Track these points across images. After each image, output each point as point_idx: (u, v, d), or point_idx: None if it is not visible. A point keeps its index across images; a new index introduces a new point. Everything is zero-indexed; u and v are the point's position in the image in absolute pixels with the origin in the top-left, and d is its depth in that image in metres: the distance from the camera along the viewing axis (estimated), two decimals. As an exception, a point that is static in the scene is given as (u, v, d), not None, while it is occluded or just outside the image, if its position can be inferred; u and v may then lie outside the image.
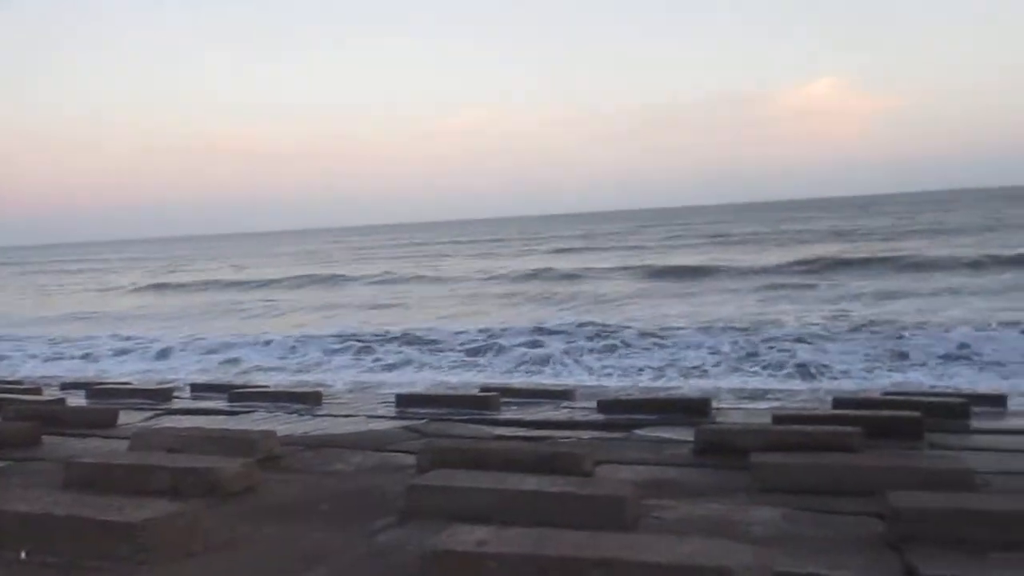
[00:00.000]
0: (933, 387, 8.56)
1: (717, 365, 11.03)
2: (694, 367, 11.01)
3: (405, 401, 8.14)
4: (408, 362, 13.37)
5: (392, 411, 7.81)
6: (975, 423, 6.55)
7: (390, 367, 13.25)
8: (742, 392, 9.26)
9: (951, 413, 6.53)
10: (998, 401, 7.27)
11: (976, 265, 22.21)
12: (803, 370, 10.47)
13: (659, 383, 10.18)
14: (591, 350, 12.73)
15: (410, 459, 5.39)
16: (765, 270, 25.10)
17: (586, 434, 6.51)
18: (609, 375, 11.07)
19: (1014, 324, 11.66)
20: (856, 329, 12.47)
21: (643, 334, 13.14)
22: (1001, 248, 25.96)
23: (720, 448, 5.50)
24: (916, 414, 5.98)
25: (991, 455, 5.29)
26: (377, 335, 15.21)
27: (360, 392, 11.08)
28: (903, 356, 10.67)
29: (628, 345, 12.63)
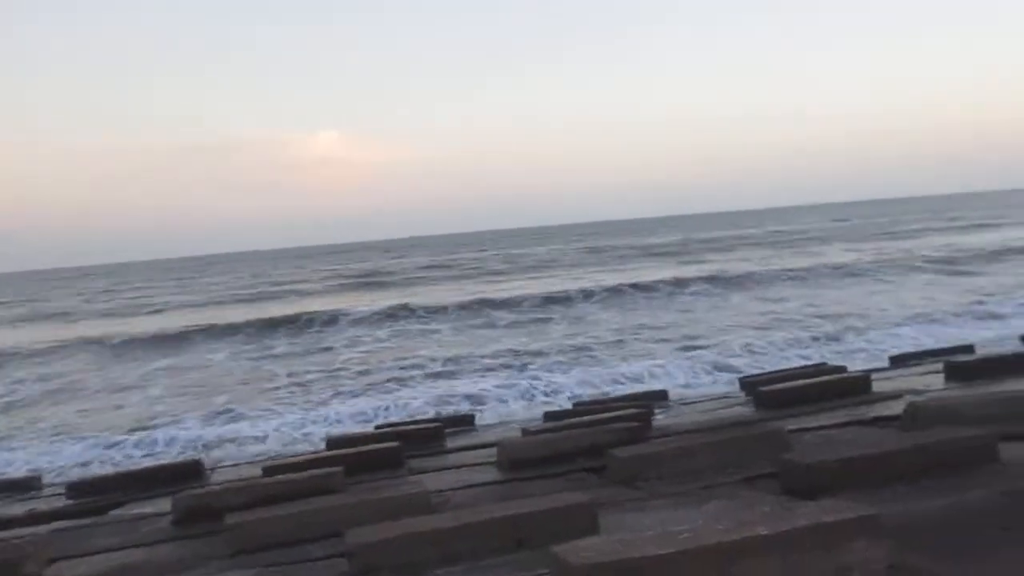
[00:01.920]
0: (416, 415, 9.27)
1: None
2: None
3: None
4: None
5: None
6: (449, 443, 7.25)
7: None
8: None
9: (428, 437, 7.11)
10: (468, 420, 8.18)
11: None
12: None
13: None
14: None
15: None
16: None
17: (48, 527, 5.58)
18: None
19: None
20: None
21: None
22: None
23: (201, 514, 5.14)
24: (395, 444, 6.38)
25: (454, 473, 5.83)
26: None
27: None
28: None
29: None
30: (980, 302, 15.30)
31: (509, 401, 9.76)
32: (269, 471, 6.08)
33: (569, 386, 10.37)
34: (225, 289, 42.86)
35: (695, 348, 12.76)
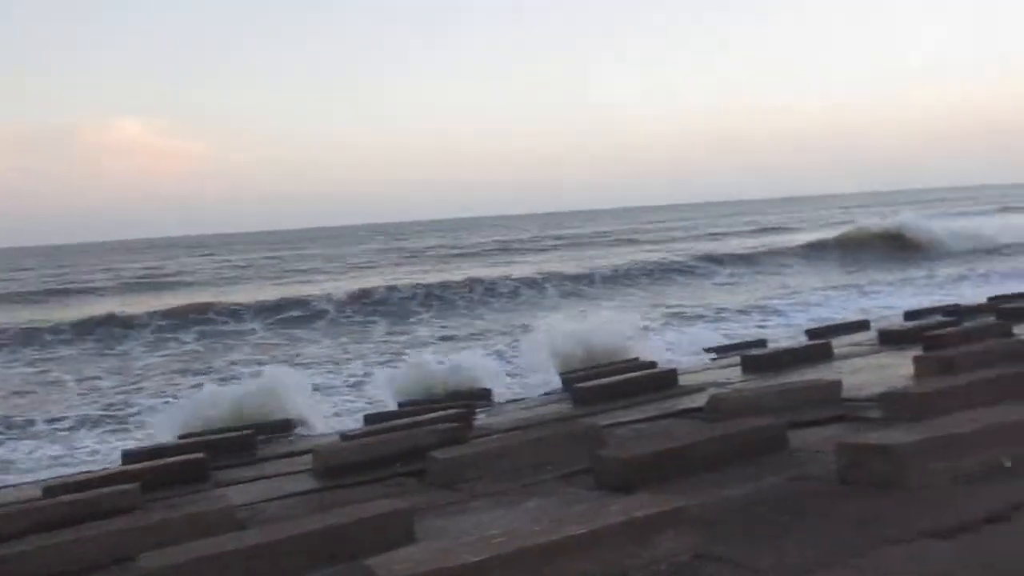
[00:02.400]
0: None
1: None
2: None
3: None
4: None
5: None
6: (263, 452, 6.88)
7: None
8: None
9: (238, 447, 6.70)
10: (284, 427, 7.81)
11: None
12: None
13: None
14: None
15: None
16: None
17: None
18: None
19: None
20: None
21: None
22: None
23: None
24: (200, 455, 5.95)
25: (265, 484, 5.52)
26: None
27: None
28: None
29: None
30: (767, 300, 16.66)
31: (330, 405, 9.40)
32: (50, 491, 5.48)
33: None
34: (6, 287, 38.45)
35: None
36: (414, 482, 5.00)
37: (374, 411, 7.93)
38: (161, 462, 5.80)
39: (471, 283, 20.57)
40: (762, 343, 10.10)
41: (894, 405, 5.18)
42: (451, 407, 7.23)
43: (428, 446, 5.41)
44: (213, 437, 6.92)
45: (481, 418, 7.24)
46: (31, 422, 9.80)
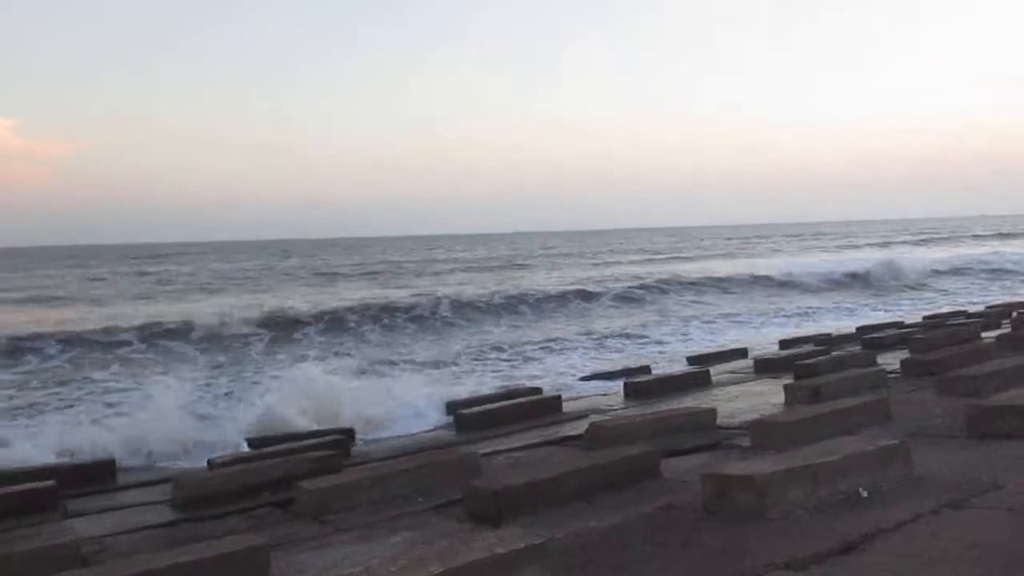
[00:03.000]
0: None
1: None
2: None
3: None
4: None
5: None
6: (123, 480, 6.44)
7: None
8: None
9: (95, 474, 6.25)
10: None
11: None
12: None
13: None
14: None
15: None
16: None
17: None
18: None
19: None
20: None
21: None
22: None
23: None
24: (48, 483, 5.50)
25: (120, 515, 5.15)
26: None
27: None
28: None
29: None
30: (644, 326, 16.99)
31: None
32: None
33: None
34: None
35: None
36: (280, 514, 4.77)
37: (255, 435, 7.55)
38: (3, 491, 5.31)
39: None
40: (646, 369, 10.28)
41: (762, 434, 5.33)
42: (330, 432, 7.00)
43: (300, 474, 5.18)
44: (65, 464, 6.43)
45: (359, 445, 7.03)
46: None
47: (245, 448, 7.13)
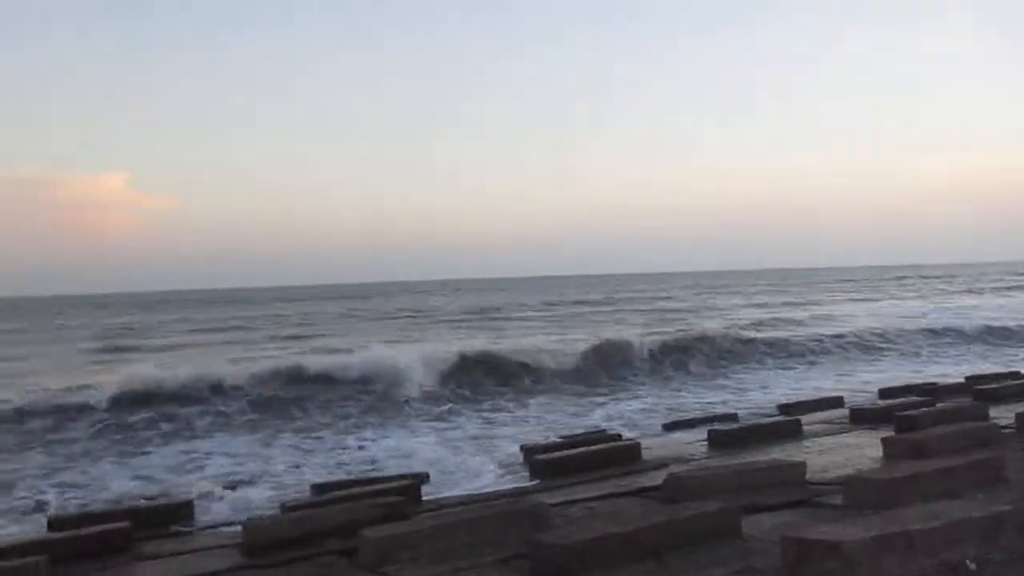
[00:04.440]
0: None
1: None
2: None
3: None
4: None
5: None
6: (201, 519, 6.49)
7: None
8: None
9: (170, 516, 6.32)
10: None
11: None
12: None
13: None
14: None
15: None
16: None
17: None
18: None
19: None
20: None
21: None
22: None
23: None
24: (123, 524, 5.58)
25: (189, 559, 5.15)
26: None
27: None
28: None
29: None
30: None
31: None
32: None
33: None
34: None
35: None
36: (344, 563, 4.66)
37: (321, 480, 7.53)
38: (77, 532, 5.41)
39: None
40: (733, 417, 9.82)
41: (856, 492, 4.92)
42: (399, 478, 6.90)
43: (366, 521, 5.08)
44: (143, 505, 6.54)
45: (432, 491, 6.90)
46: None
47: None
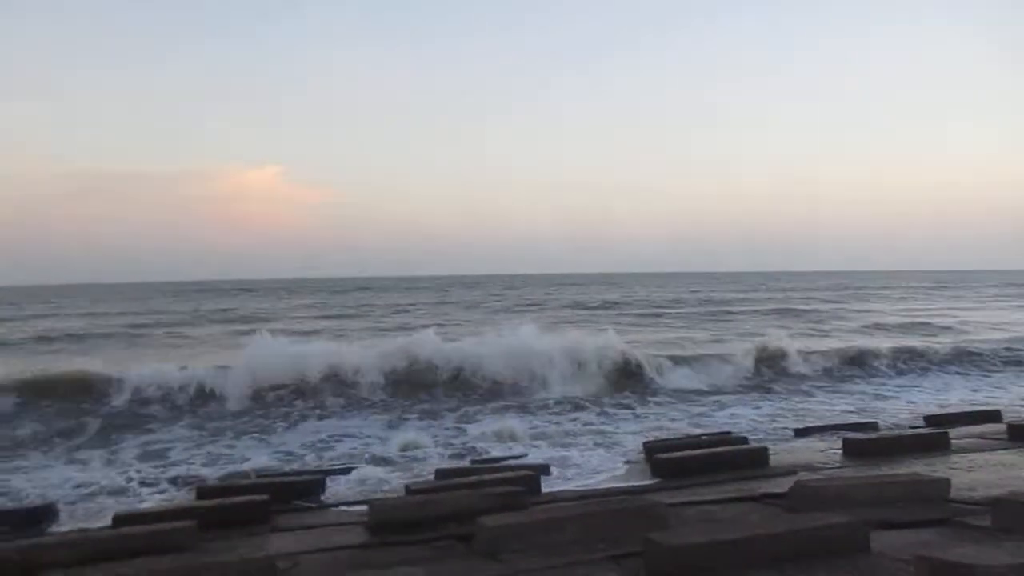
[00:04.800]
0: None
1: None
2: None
3: None
4: None
5: None
6: (331, 496, 6.83)
7: None
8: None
9: (303, 491, 6.67)
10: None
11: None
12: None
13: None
14: None
15: None
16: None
17: None
18: None
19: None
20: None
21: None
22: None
23: (13, 573, 4.64)
24: (263, 497, 5.94)
25: (318, 533, 5.42)
26: None
27: None
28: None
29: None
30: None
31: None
32: (119, 521, 5.60)
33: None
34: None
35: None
36: (462, 547, 4.77)
37: (446, 466, 7.73)
38: (223, 501, 5.81)
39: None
40: (873, 426, 9.29)
41: (1007, 514, 4.54)
42: (523, 468, 6.98)
43: (483, 509, 5.18)
44: (281, 479, 6.94)
45: (552, 483, 6.93)
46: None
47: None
